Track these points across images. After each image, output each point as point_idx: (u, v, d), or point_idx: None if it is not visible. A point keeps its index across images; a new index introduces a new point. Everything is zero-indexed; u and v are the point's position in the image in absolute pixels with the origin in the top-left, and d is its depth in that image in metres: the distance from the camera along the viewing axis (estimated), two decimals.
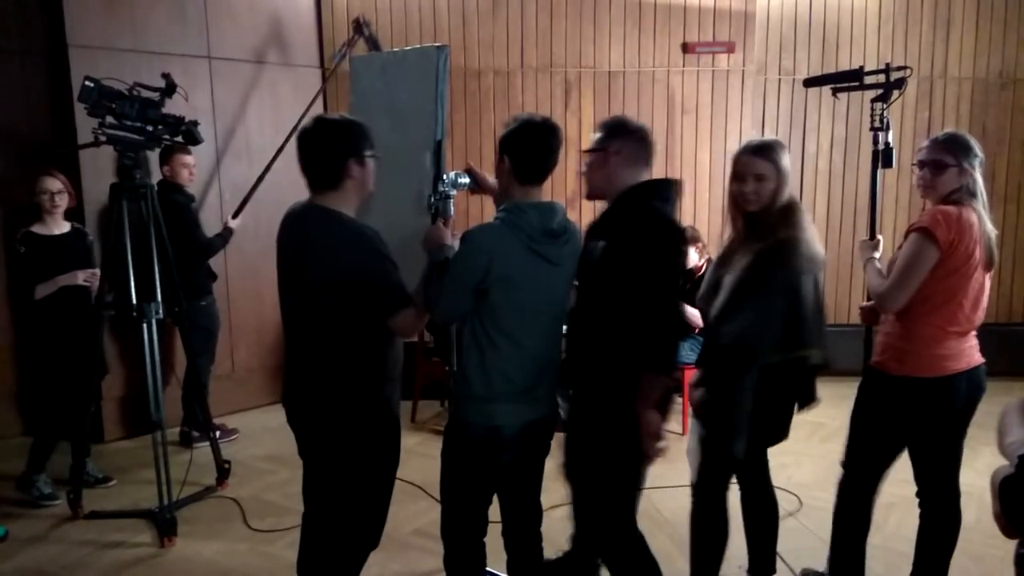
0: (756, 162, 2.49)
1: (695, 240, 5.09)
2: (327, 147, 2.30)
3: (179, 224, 4.38)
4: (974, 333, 2.69)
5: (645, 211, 2.33)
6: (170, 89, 3.72)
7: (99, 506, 3.95)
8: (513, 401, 2.36)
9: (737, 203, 2.56)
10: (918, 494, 2.81)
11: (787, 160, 2.53)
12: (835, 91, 3.07)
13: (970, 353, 2.67)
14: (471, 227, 2.32)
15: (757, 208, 2.50)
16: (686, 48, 5.75)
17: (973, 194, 2.63)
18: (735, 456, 2.51)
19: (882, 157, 3.02)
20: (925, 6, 6.05)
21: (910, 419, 2.69)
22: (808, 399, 2.63)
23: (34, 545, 3.63)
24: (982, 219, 2.62)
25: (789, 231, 2.44)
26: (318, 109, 5.27)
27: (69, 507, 3.87)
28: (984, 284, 2.67)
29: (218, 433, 4.72)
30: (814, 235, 2.51)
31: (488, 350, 2.32)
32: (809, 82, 3.29)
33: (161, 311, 3.74)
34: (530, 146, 2.32)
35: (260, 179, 4.83)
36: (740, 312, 2.42)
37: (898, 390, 2.67)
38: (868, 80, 2.96)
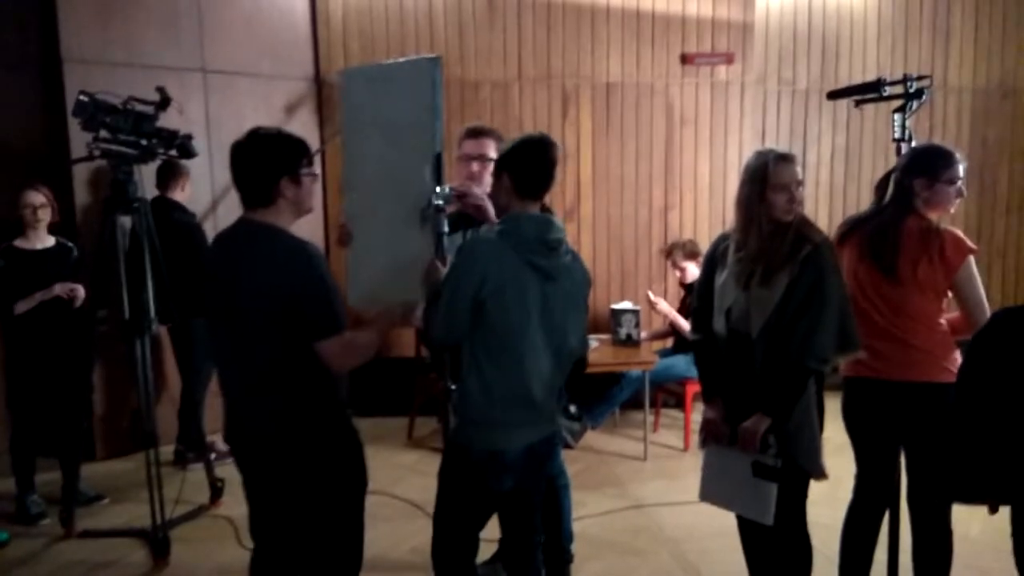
0: (796, 169, 2.48)
1: (693, 255, 5.05)
2: (259, 163, 2.22)
3: (187, 244, 4.34)
4: (893, 346, 2.64)
5: None
6: (165, 103, 3.69)
7: (92, 525, 3.91)
8: (517, 424, 2.32)
9: (757, 216, 2.46)
10: (910, 510, 2.80)
11: None
12: (858, 103, 3.05)
13: (876, 363, 2.65)
14: (467, 238, 2.29)
15: (793, 217, 2.46)
16: (685, 59, 5.73)
17: (878, 203, 2.75)
18: (822, 476, 2.49)
19: None
20: (924, 16, 6.03)
21: (850, 417, 2.83)
22: None
23: (27, 564, 3.60)
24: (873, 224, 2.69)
25: (820, 234, 2.45)
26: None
27: (61, 526, 3.83)
28: (890, 297, 2.63)
29: (213, 455, 4.67)
30: None
31: (489, 369, 2.28)
32: (833, 95, 3.26)
33: (155, 326, 3.70)
34: (530, 162, 2.33)
35: None
36: (805, 325, 2.37)
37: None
38: (888, 91, 2.92)
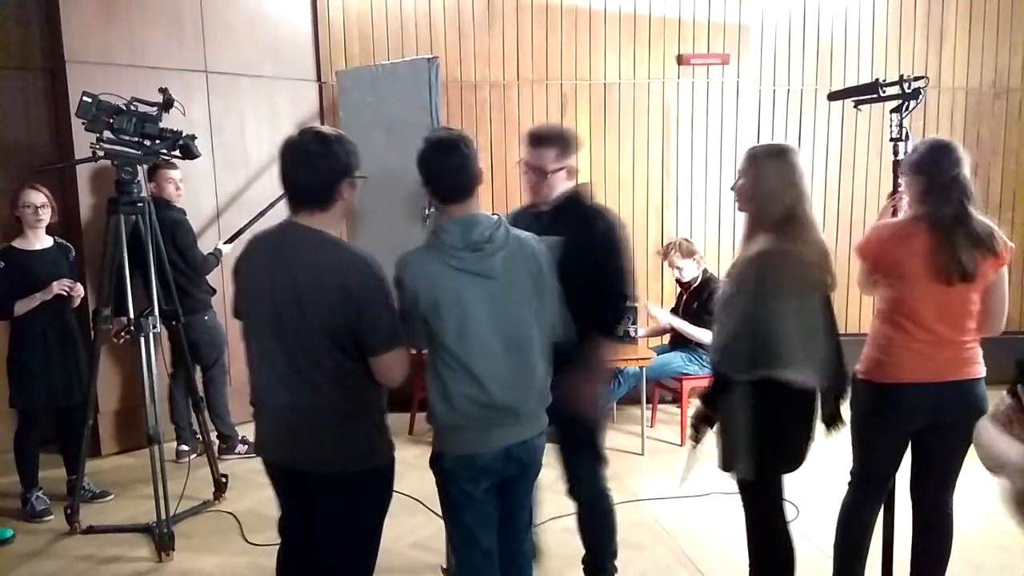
0: (740, 160, 2.58)
1: (690, 253, 5.09)
2: (324, 164, 2.12)
3: (174, 240, 4.39)
4: (963, 346, 2.63)
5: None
6: (167, 104, 3.73)
7: (97, 521, 3.94)
8: (485, 427, 2.28)
9: None
10: (912, 504, 2.83)
11: (772, 165, 2.46)
12: (856, 104, 3.05)
13: (942, 365, 2.61)
14: (401, 255, 2.26)
15: (740, 208, 2.56)
16: (681, 60, 5.79)
17: (923, 204, 2.58)
18: (740, 477, 2.50)
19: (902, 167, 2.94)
20: (918, 17, 6.09)
21: (876, 424, 2.74)
22: (832, 421, 2.58)
23: (33, 560, 3.64)
24: (937, 231, 2.53)
25: (778, 244, 2.37)
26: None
27: (67, 522, 3.87)
28: (962, 296, 2.58)
29: (246, 447, 4.82)
30: (816, 251, 2.42)
31: (448, 378, 2.24)
32: (833, 96, 3.27)
33: (158, 324, 3.75)
34: (436, 168, 2.26)
35: (262, 214, 4.74)
36: (717, 332, 2.47)
37: (863, 394, 2.72)
38: (886, 92, 2.94)
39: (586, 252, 2.65)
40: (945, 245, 2.51)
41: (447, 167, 2.25)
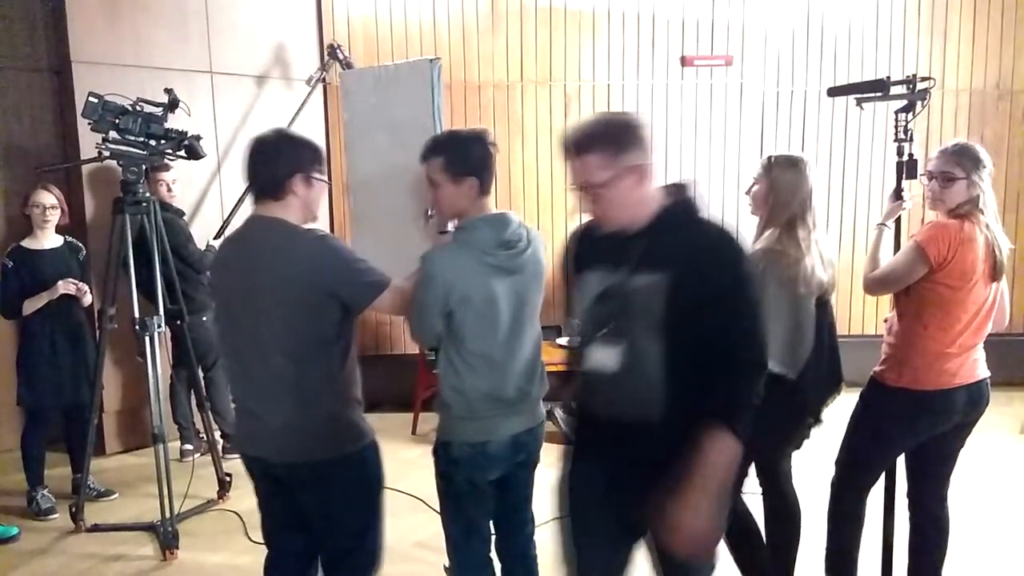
0: (757, 166, 2.70)
1: None
2: (276, 156, 2.23)
3: (169, 239, 4.39)
4: (979, 347, 2.67)
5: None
6: (173, 104, 3.76)
7: (101, 519, 3.97)
8: (497, 416, 2.34)
9: None
10: (909, 504, 2.84)
11: (786, 173, 2.62)
12: (859, 102, 3.00)
13: (971, 367, 2.65)
14: (429, 250, 2.31)
15: (753, 212, 2.71)
16: (684, 61, 5.80)
17: (980, 206, 2.61)
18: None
19: (906, 168, 2.94)
20: (922, 18, 6.08)
21: (907, 430, 2.70)
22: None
23: (38, 557, 3.66)
24: (990, 231, 2.59)
25: (777, 244, 2.59)
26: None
27: (71, 520, 3.89)
28: (990, 297, 2.63)
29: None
30: (816, 255, 2.59)
31: (464, 371, 2.31)
32: (833, 91, 3.20)
33: (163, 324, 3.76)
34: (486, 159, 2.32)
35: (239, 203, 4.74)
36: None
37: (896, 401, 2.68)
38: (893, 91, 2.89)
39: (695, 298, 1.81)
40: (996, 244, 2.59)
41: (491, 157, 2.32)
